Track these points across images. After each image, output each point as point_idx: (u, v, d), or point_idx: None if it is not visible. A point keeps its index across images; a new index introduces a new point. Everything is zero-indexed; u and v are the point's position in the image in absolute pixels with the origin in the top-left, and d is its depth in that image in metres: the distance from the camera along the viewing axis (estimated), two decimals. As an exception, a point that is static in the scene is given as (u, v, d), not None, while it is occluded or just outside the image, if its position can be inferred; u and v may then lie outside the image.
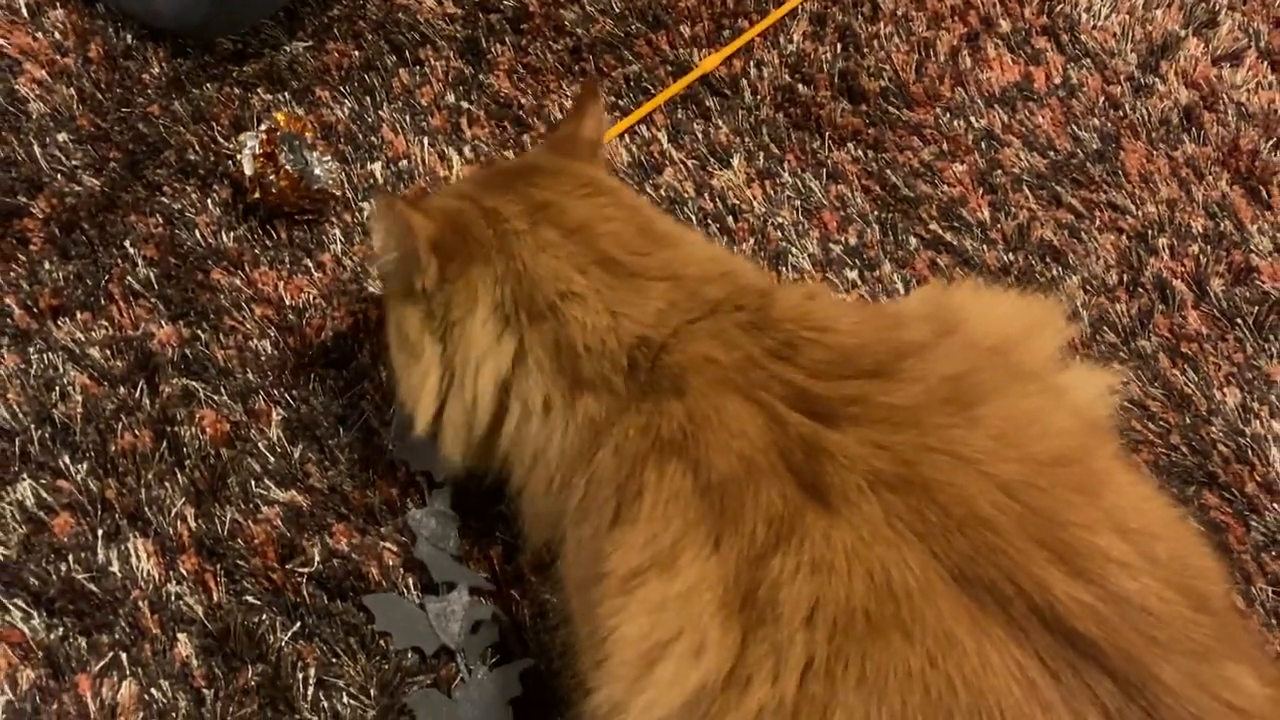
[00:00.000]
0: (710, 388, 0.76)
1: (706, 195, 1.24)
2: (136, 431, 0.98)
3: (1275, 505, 1.11)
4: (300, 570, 0.93)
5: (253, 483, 0.97)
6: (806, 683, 0.65)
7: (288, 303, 1.07)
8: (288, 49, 1.25)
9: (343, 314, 1.08)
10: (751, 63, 1.34)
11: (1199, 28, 1.50)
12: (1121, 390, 1.16)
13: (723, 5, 1.38)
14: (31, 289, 1.05)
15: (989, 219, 1.27)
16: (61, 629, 0.89)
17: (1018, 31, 1.45)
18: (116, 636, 0.89)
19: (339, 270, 1.11)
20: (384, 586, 0.93)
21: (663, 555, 0.71)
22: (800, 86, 1.33)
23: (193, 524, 0.94)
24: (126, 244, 1.09)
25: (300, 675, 0.89)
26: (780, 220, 1.23)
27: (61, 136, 1.14)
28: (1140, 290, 1.24)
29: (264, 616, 0.91)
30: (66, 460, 0.96)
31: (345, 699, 0.88)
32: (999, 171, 1.31)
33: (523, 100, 1.26)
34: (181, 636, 0.90)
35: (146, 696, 0.87)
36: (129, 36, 1.21)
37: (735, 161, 1.27)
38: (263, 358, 1.04)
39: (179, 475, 0.97)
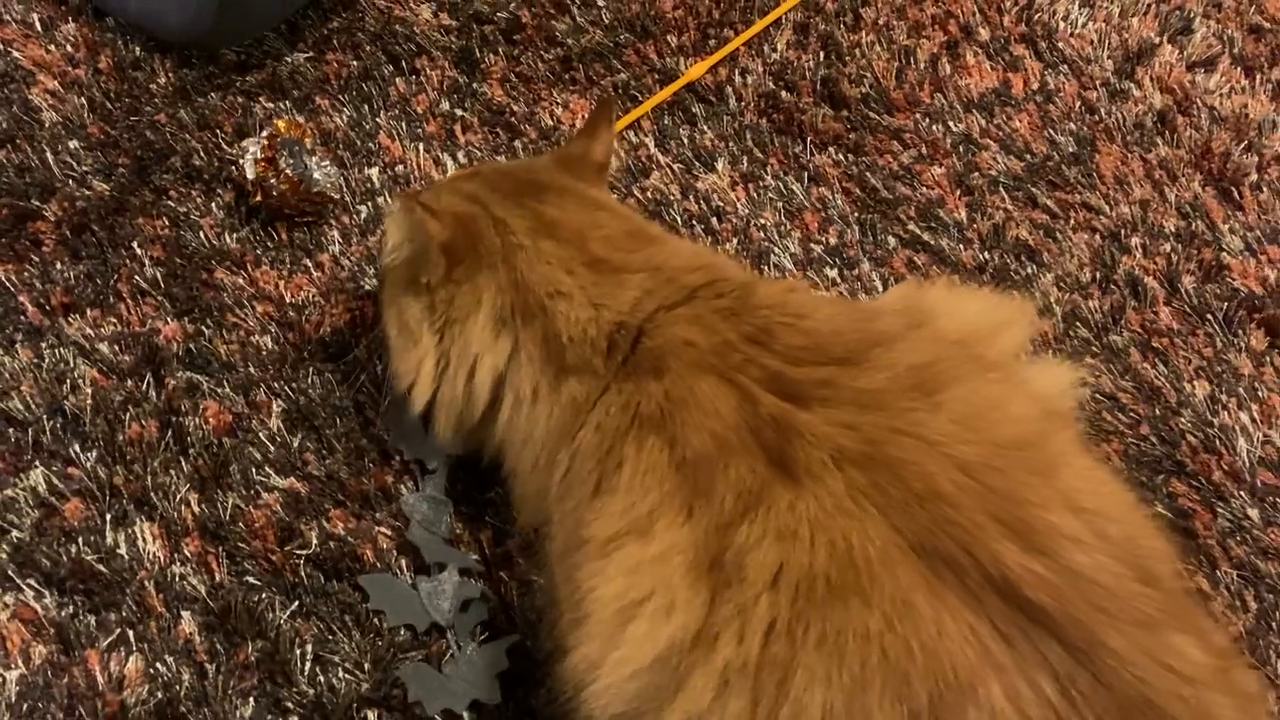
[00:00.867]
0: (688, 369, 0.80)
1: (692, 198, 1.28)
2: (143, 422, 1.03)
3: (1241, 493, 1.14)
4: (298, 552, 0.97)
5: (253, 470, 1.01)
6: (770, 642, 0.69)
7: (288, 300, 1.12)
8: (289, 59, 1.30)
9: (340, 311, 1.12)
10: (736, 70, 1.39)
11: (1174, 35, 1.55)
12: (1093, 383, 1.20)
13: (708, 16, 1.43)
14: (44, 288, 1.09)
15: (965, 219, 1.31)
16: (72, 607, 0.93)
17: (996, 39, 1.49)
18: (124, 614, 0.93)
19: (337, 269, 1.15)
20: (378, 568, 0.98)
21: (639, 522, 0.76)
22: (783, 93, 1.38)
23: (196, 509, 0.99)
24: (134, 245, 1.13)
25: (298, 651, 0.93)
26: (763, 221, 1.28)
27: (73, 144, 1.19)
28: (1113, 287, 1.28)
29: (264, 596, 0.95)
30: (77, 449, 1.01)
31: (341, 673, 0.92)
32: (976, 174, 1.35)
33: (515, 108, 1.31)
34: (185, 614, 0.94)
35: (152, 670, 0.91)
36: (137, 48, 1.26)
37: (720, 165, 1.31)
38: (264, 352, 1.09)
39: (183, 463, 1.01)
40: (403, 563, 0.99)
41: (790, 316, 0.84)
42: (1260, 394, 1.21)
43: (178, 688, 0.90)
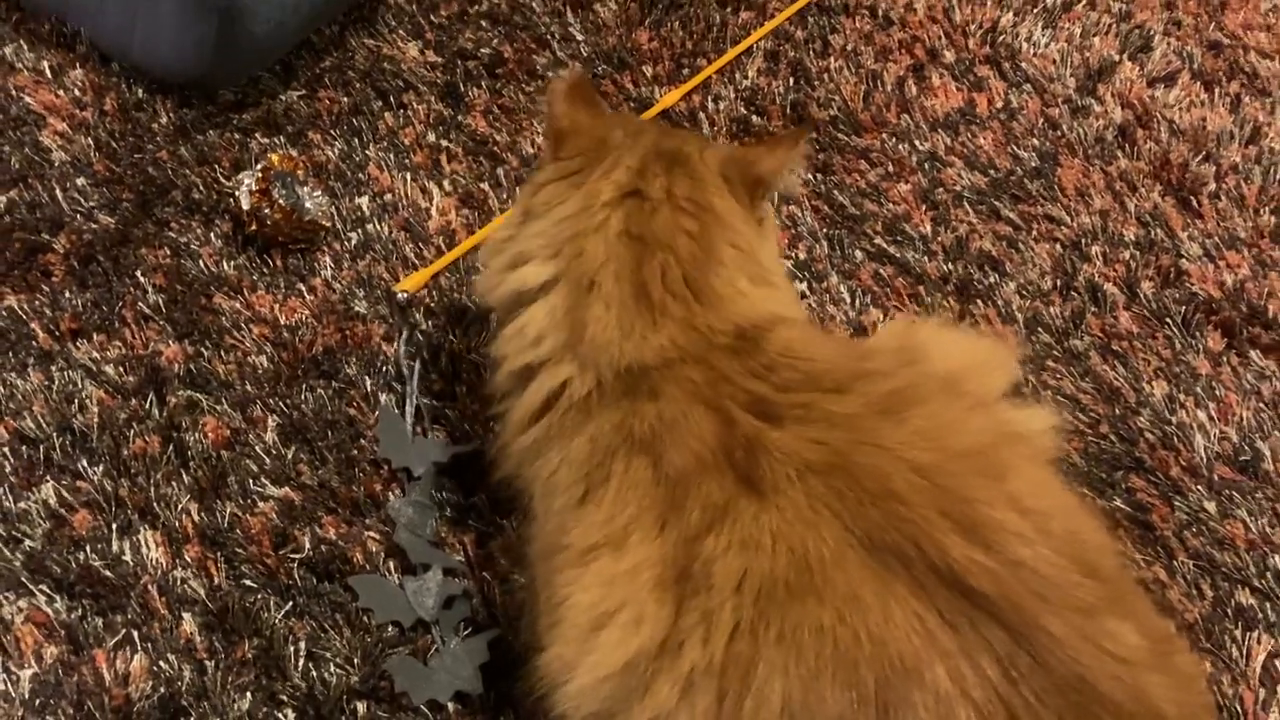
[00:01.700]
0: (683, 396, 0.85)
1: (667, 218, 1.34)
2: (146, 438, 1.09)
3: (1199, 487, 1.19)
4: (292, 556, 1.03)
5: (250, 481, 1.08)
6: (734, 642, 0.74)
7: (282, 322, 1.19)
8: (283, 97, 1.37)
9: (331, 331, 1.19)
10: (709, 97, 1.46)
11: (1134, 53, 1.61)
12: (1054, 385, 1.25)
13: (682, 47, 1.50)
14: (53, 315, 1.16)
15: (930, 233, 1.37)
16: (80, 610, 0.99)
17: (961, 61, 1.55)
18: (129, 616, 0.99)
19: (329, 293, 1.22)
20: (367, 569, 1.04)
21: (616, 535, 0.81)
22: (754, 118, 1.44)
23: (196, 517, 1.05)
24: (138, 274, 1.20)
25: (292, 648, 0.99)
26: (735, 239, 1.34)
27: (80, 181, 1.26)
28: (1074, 294, 1.34)
29: (259, 597, 1.01)
30: (84, 464, 1.07)
31: (332, 668, 0.98)
32: (941, 189, 1.41)
33: (497, 138, 1.38)
34: (186, 615, 1.00)
35: (155, 668, 0.97)
36: (140, 90, 1.34)
37: (694, 187, 1.37)
38: (259, 371, 1.15)
39: (184, 475, 1.08)
40: (390, 564, 1.04)
41: (794, 358, 0.87)
42: (1218, 393, 1.26)
43: (179, 683, 0.96)
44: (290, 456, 1.10)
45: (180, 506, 1.06)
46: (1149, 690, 0.73)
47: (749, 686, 0.72)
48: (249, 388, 1.14)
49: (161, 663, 0.97)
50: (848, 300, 1.30)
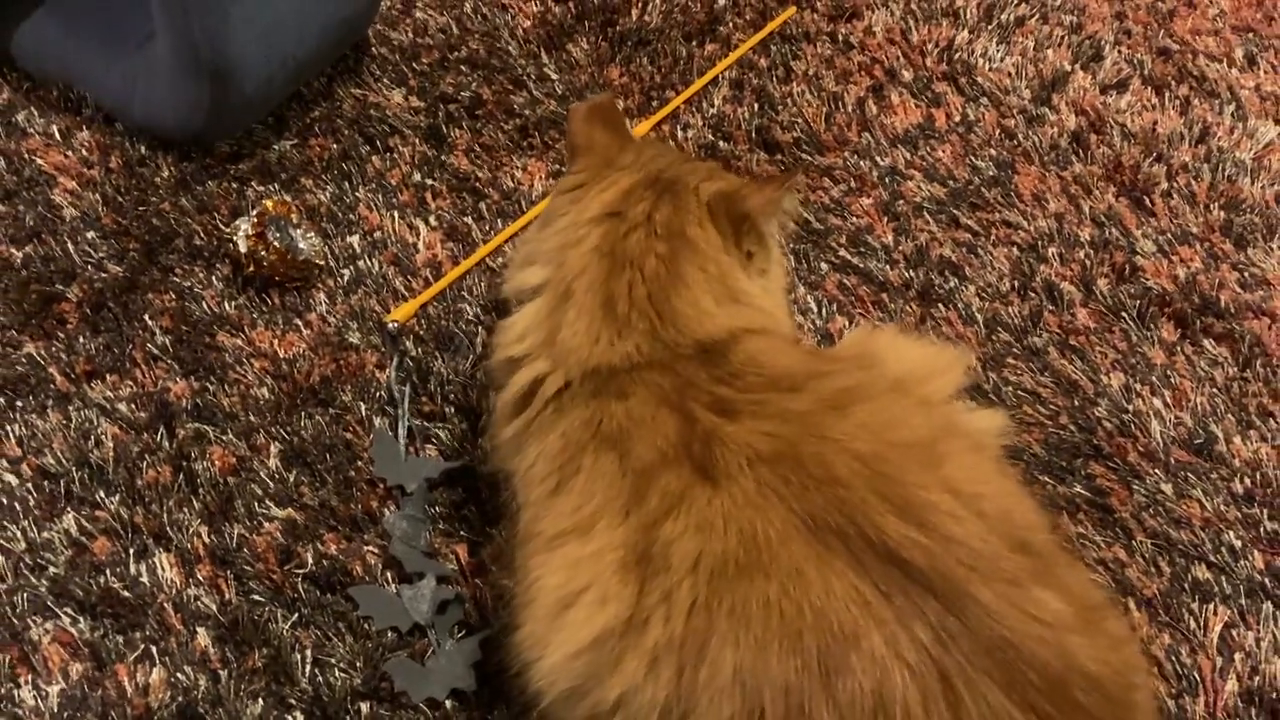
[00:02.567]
0: (651, 398, 0.92)
1: (641, 241, 1.42)
2: (158, 468, 1.17)
3: (1155, 471, 1.25)
4: (297, 571, 1.11)
5: (255, 504, 1.15)
6: (691, 618, 0.80)
7: (281, 356, 1.27)
8: (277, 147, 1.46)
9: (327, 361, 1.27)
10: (678, 126, 1.54)
11: (1086, 62, 1.68)
12: (1015, 381, 1.32)
13: (651, 80, 1.58)
14: (69, 359, 1.25)
15: (892, 243, 1.44)
16: (102, 629, 1.07)
17: (919, 79, 1.63)
18: (147, 633, 1.06)
19: (324, 326, 1.30)
20: (367, 580, 1.11)
21: (583, 522, 0.88)
22: (721, 143, 1.52)
23: (207, 539, 1.13)
24: (146, 317, 1.29)
25: (299, 655, 1.06)
26: (707, 258, 1.41)
27: (90, 234, 1.35)
28: (1031, 294, 1.40)
29: (267, 610, 1.08)
30: (102, 494, 1.15)
31: (337, 672, 1.05)
32: (901, 201, 1.48)
33: (479, 174, 1.46)
34: (200, 630, 1.07)
35: (173, 679, 1.04)
36: (142, 147, 1.43)
37: (666, 211, 1.45)
38: (261, 402, 1.23)
39: (194, 501, 1.15)
40: (388, 575, 1.12)
41: (758, 365, 0.94)
42: (1173, 380, 1.32)
43: (195, 692, 1.03)
44: (292, 479, 1.17)
45: (191, 530, 1.13)
46: (1073, 650, 0.78)
47: (704, 658, 0.78)
48: (252, 418, 1.21)
49: (179, 674, 1.04)
50: (815, 309, 1.37)
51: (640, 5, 1.67)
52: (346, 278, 1.34)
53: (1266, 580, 1.17)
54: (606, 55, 1.60)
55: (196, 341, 1.27)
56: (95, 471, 1.16)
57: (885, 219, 1.46)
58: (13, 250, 1.33)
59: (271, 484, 1.17)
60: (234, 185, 1.41)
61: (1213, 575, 1.17)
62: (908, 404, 0.95)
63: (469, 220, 1.41)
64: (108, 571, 1.10)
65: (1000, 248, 1.44)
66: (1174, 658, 1.12)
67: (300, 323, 1.30)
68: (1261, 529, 1.20)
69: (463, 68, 1.57)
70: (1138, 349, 1.35)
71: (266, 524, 1.14)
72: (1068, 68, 1.66)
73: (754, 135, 1.53)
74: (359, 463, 1.19)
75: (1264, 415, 1.30)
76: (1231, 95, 1.65)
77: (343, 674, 1.05)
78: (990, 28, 1.71)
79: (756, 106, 1.56)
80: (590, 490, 0.89)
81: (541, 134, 1.51)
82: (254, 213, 1.30)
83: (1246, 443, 1.27)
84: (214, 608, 1.08)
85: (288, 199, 1.38)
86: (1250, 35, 1.77)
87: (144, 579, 1.10)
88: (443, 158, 1.48)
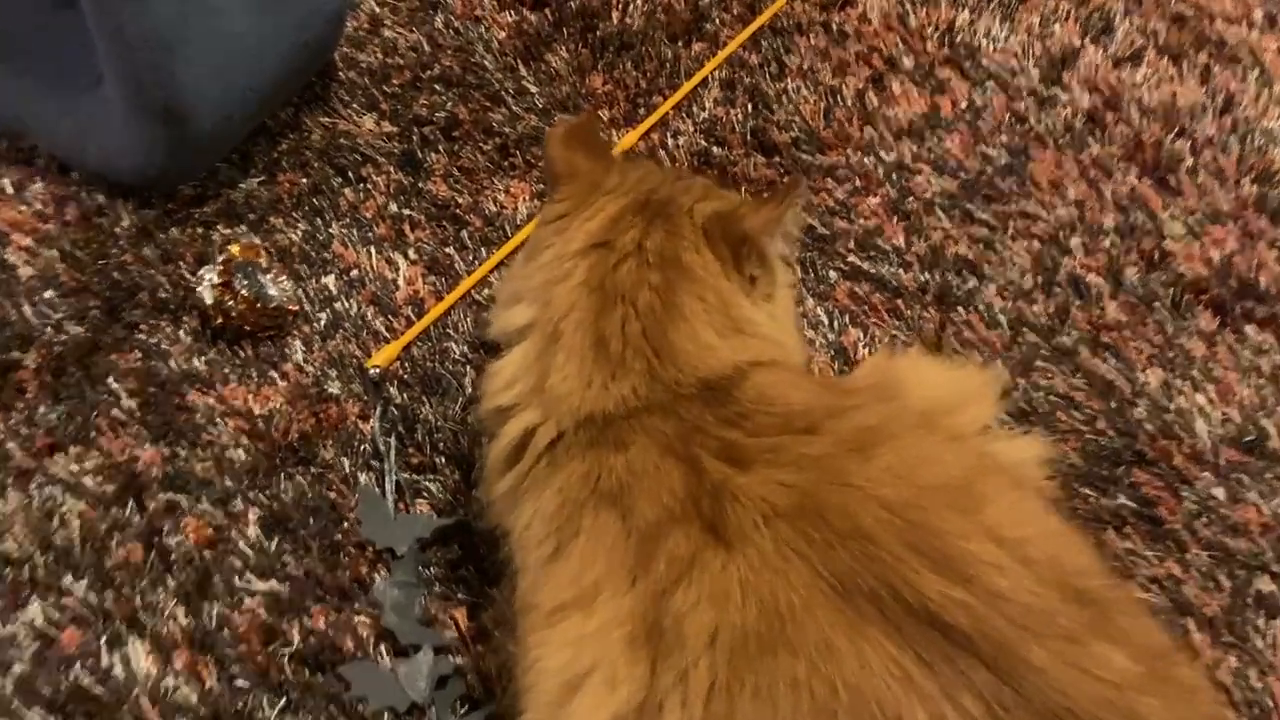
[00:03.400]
0: (653, 447, 0.83)
1: (636, 261, 1.33)
2: (128, 546, 1.09)
3: (1204, 474, 1.16)
4: (282, 650, 1.02)
5: (235, 578, 1.07)
6: (711, 702, 0.72)
7: (256, 412, 1.18)
8: (243, 186, 1.37)
9: (305, 415, 1.18)
10: (668, 134, 1.45)
11: (1096, 35, 1.58)
12: (1046, 385, 1.22)
13: (636, 86, 1.49)
14: (29, 432, 1.16)
15: (904, 244, 1.35)
16: (74, 730, 0.99)
17: (921, 66, 1.53)
18: (123, 731, 0.99)
19: (301, 377, 1.21)
20: (359, 656, 1.02)
21: (585, 593, 0.79)
22: (715, 148, 1.43)
23: (183, 621, 1.04)
24: (110, 380, 1.20)
25: (289, 745, 0.98)
26: (706, 274, 1.32)
27: (48, 294, 1.27)
28: (1057, 289, 1.31)
29: (252, 697, 1.00)
30: (69, 579, 1.06)
31: (331, 761, 0.97)
32: (911, 198, 1.39)
33: (459, 200, 1.38)
34: (180, 723, 0.99)
35: (153, 781, 0.96)
36: (100, 196, 1.34)
37: (660, 226, 1.36)
38: (237, 464, 1.14)
39: (169, 579, 1.07)
40: (382, 648, 1.03)
41: (768, 403, 0.85)
42: (1215, 373, 1.23)
43: (178, 794, 0.95)
44: (274, 549, 1.09)
45: (167, 613, 1.05)
46: (1144, 714, 0.70)
47: None
48: (228, 483, 1.13)
49: (159, 775, 0.96)
50: (825, 322, 1.28)
51: (621, 7, 1.58)
52: (323, 322, 1.26)
53: (1338, 591, 1.07)
54: (588, 63, 1.51)
55: (165, 403, 1.18)
56: (60, 554, 1.08)
57: (895, 218, 1.37)
58: (-35, 317, 1.25)
59: (251, 555, 1.08)
60: (199, 230, 1.33)
61: (1277, 587, 1.08)
62: (937, 440, 0.86)
63: (451, 250, 1.33)
64: (78, 664, 1.02)
65: (1020, 241, 1.35)
66: (1242, 682, 1.03)
67: (275, 374, 1.21)
68: (1327, 533, 1.11)
69: (436, 86, 1.48)
70: (1175, 341, 1.26)
71: (248, 599, 1.06)
72: (1077, 43, 1.56)
73: (749, 138, 1.44)
74: (345, 525, 1.11)
75: (1319, 406, 1.20)
76: (1255, 59, 1.55)
77: (337, 762, 0.97)
78: (992, 6, 1.61)
79: (750, 107, 1.47)
80: (591, 555, 0.81)
81: (523, 152, 1.42)
82: (219, 260, 1.22)
83: (1302, 438, 1.18)
84: (194, 699, 1.00)
85: (256, 242, 1.29)
86: (1269, -7, 1.67)
87: (117, 671, 1.02)
88: (420, 185, 1.39)
